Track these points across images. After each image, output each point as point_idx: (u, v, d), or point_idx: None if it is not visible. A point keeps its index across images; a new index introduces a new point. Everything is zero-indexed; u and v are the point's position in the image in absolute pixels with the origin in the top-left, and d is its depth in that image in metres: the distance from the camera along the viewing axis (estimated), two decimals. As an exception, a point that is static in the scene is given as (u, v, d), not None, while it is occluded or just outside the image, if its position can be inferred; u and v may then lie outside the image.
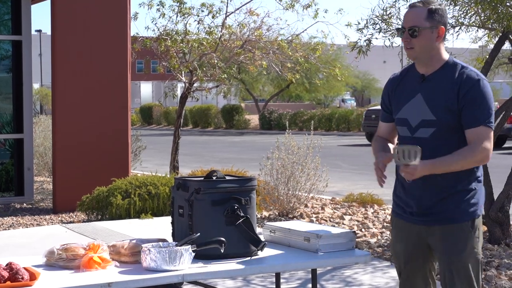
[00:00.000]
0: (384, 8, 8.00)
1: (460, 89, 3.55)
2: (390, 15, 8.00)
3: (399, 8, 7.97)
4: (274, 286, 4.40)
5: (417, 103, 3.64)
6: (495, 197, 7.48)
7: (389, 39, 8.07)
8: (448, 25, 7.92)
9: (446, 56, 3.67)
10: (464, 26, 7.92)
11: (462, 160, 3.54)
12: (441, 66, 3.64)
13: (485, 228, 7.69)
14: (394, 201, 3.83)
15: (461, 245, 3.59)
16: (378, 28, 8.03)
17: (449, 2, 7.76)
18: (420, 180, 3.56)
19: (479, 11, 7.71)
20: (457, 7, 7.87)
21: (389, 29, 8.00)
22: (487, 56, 7.77)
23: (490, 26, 7.94)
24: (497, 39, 8.00)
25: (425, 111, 3.61)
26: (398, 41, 8.20)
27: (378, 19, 8.02)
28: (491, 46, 8.36)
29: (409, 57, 3.65)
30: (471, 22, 7.88)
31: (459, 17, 7.87)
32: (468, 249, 3.59)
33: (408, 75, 3.75)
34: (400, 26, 3.75)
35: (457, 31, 7.99)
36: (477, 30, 8.42)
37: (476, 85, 3.55)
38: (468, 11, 7.76)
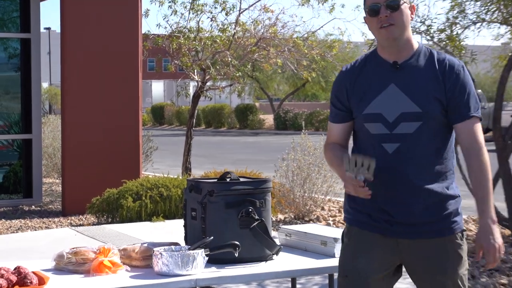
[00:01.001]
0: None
1: (445, 78, 3.21)
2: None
3: (417, 5, 7.96)
4: (290, 291, 4.39)
5: (392, 94, 3.23)
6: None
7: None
8: (469, 21, 7.93)
9: (415, 42, 3.31)
10: (485, 22, 7.89)
11: (488, 171, 3.20)
12: (414, 52, 3.28)
13: (509, 232, 7.66)
14: (353, 209, 3.34)
15: (457, 260, 3.25)
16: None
17: (470, -3, 7.75)
18: (406, 183, 3.19)
19: (501, 7, 7.68)
20: (479, 3, 7.85)
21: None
22: (510, 54, 7.74)
23: (513, 22, 7.91)
24: (520, 36, 7.97)
25: (405, 103, 3.21)
26: (417, 38, 8.19)
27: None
28: (514, 43, 8.33)
29: (387, 38, 3.23)
30: (493, 18, 7.85)
31: (481, 13, 7.85)
32: (462, 263, 3.27)
33: (369, 65, 3.33)
34: (370, 9, 3.26)
35: (479, 28, 7.97)
36: (499, 27, 8.39)
37: (462, 73, 3.23)
38: (490, 7, 7.74)
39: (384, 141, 3.23)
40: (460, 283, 3.25)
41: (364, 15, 3.34)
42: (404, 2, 3.23)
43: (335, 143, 3.40)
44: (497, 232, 3.17)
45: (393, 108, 3.21)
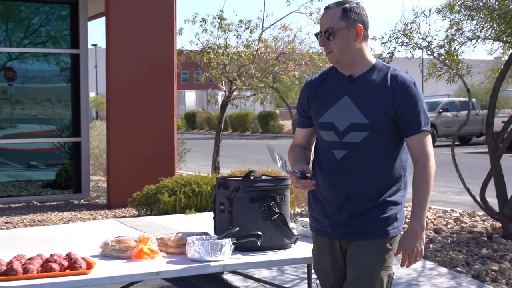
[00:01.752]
0: (406, 23, 7.96)
1: (396, 93, 3.07)
2: (411, 30, 7.95)
3: (419, 23, 7.93)
4: (306, 276, 4.39)
5: (344, 105, 3.12)
6: (509, 196, 7.39)
7: (410, 51, 8.02)
8: (466, 38, 7.87)
9: (372, 58, 3.19)
10: (480, 39, 7.84)
11: (429, 181, 3.07)
12: (369, 68, 3.15)
13: (500, 225, 7.61)
14: (311, 216, 3.28)
15: (380, 262, 3.09)
16: (400, 42, 7.99)
17: (466, 17, 7.71)
18: (350, 187, 3.09)
19: (495, 25, 7.63)
20: (474, 22, 7.80)
21: (410, 43, 7.95)
22: (502, 67, 7.69)
23: (504, 39, 7.86)
24: (511, 51, 7.91)
25: (355, 114, 3.09)
26: (419, 53, 8.15)
27: (400, 33, 7.99)
28: (506, 57, 8.27)
29: (330, 62, 3.17)
30: (487, 35, 7.80)
31: (476, 31, 7.79)
32: (385, 265, 3.09)
33: (330, 77, 3.22)
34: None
35: (474, 44, 7.91)
36: (493, 43, 8.34)
37: (413, 89, 3.08)
38: (484, 26, 7.69)
39: (334, 147, 3.13)
40: (378, 283, 3.08)
41: None
42: (342, 28, 3.10)
43: (299, 145, 3.35)
44: (422, 238, 3.07)
45: (344, 118, 3.11)
